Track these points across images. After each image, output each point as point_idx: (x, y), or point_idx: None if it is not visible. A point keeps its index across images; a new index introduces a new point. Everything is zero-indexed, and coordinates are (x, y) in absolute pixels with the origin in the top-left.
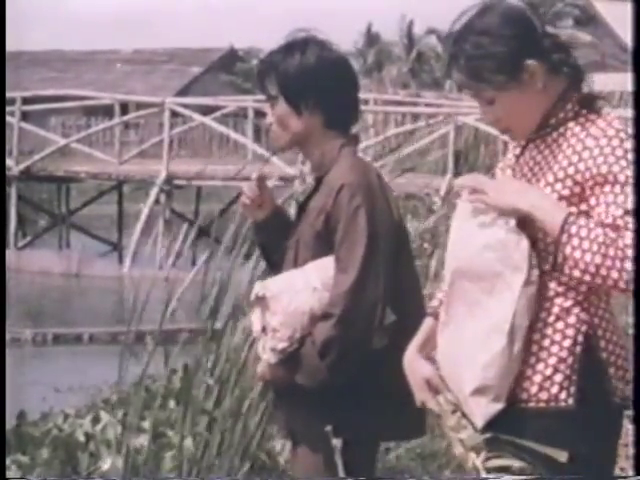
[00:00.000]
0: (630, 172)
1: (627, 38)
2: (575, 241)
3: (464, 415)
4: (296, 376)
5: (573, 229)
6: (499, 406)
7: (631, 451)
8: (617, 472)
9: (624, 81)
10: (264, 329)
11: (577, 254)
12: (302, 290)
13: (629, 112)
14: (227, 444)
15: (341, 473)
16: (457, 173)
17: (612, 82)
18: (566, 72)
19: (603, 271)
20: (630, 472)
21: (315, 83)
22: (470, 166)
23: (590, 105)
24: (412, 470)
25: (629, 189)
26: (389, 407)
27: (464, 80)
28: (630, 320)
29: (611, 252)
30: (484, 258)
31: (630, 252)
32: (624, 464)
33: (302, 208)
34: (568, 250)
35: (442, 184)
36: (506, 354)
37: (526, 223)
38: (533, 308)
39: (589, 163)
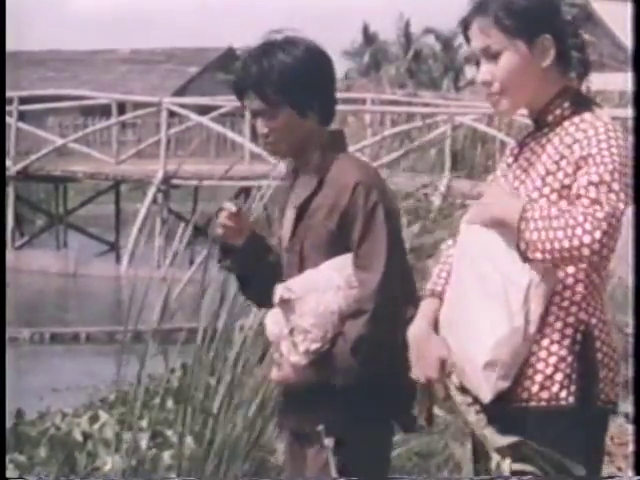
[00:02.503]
0: (611, 152)
1: (625, 38)
2: (532, 224)
3: (478, 412)
4: (330, 376)
5: (529, 214)
6: (506, 384)
7: (629, 450)
8: (615, 472)
9: (622, 81)
10: (292, 331)
11: (534, 236)
12: (327, 290)
13: (629, 112)
14: (227, 444)
15: (333, 473)
16: (454, 172)
17: (610, 82)
18: (574, 60)
19: (556, 244)
20: (629, 472)
21: (313, 82)
22: (467, 166)
23: (585, 105)
24: (410, 469)
25: (609, 166)
26: (401, 400)
27: (484, 24)
28: (630, 320)
29: (561, 222)
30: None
31: (591, 218)
32: (622, 464)
33: (301, 210)
34: (527, 235)
35: (440, 184)
36: (521, 333)
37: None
38: (548, 297)
39: (576, 154)
